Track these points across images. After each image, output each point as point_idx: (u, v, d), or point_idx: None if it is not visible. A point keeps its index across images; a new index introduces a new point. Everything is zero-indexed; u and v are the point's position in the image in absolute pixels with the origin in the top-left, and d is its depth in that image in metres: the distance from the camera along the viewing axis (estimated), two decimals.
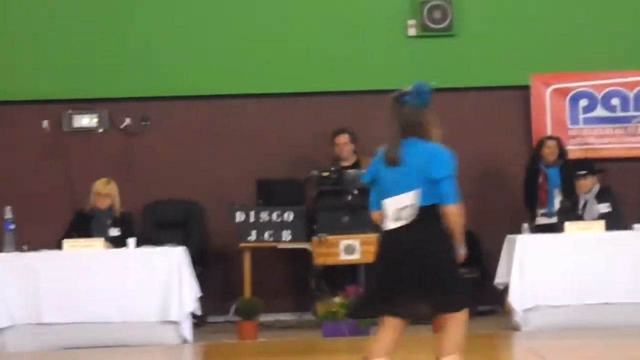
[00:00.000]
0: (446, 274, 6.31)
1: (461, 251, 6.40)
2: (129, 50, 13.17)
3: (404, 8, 13.12)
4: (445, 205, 6.16)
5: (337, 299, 10.86)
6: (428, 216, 6.19)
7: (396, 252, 6.24)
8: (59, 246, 10.72)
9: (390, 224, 6.19)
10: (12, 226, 10.80)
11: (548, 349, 9.72)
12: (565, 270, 10.80)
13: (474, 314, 11.60)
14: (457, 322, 6.29)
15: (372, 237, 9.73)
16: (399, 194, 6.19)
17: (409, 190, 6.14)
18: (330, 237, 11.15)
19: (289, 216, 11.87)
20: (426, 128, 6.28)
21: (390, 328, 6.23)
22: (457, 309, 6.32)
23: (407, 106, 6.24)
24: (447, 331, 6.35)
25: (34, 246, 10.79)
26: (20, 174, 12.56)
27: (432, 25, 12.94)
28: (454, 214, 6.23)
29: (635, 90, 13.07)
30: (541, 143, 12.18)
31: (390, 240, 6.27)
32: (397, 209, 6.25)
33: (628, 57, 13.22)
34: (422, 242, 6.24)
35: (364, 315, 6.91)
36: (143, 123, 12.77)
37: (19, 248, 10.73)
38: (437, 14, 12.93)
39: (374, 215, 6.49)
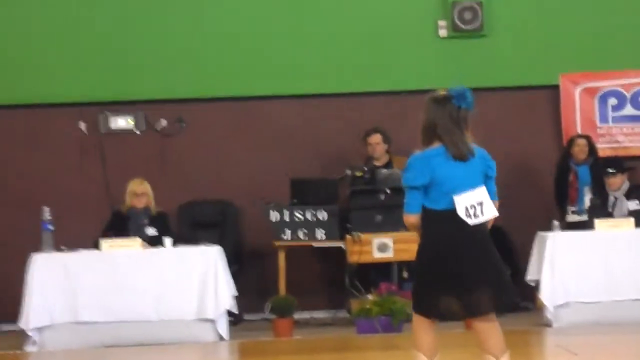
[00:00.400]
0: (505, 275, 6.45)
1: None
2: (165, 53, 13.23)
3: (435, 9, 13.18)
4: (495, 201, 6.26)
5: (370, 297, 10.90)
6: (490, 213, 6.37)
7: (475, 246, 6.28)
8: (96, 246, 10.78)
9: (469, 220, 6.22)
10: (51, 227, 10.83)
11: (579, 345, 9.75)
12: (596, 267, 10.90)
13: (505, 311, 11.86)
14: (496, 320, 6.34)
15: (405, 235, 10.02)
16: (468, 189, 6.25)
17: (477, 186, 6.22)
18: (364, 236, 11.21)
19: (322, 215, 11.95)
20: (468, 129, 6.41)
21: (432, 326, 6.27)
22: (508, 309, 6.54)
23: (456, 107, 6.34)
24: (496, 329, 6.31)
25: (72, 246, 10.86)
26: (58, 175, 12.63)
27: (463, 26, 12.97)
28: (496, 209, 6.36)
29: None
30: (571, 141, 12.24)
31: (469, 236, 6.29)
32: (473, 204, 6.27)
33: None
34: (488, 240, 6.37)
35: (431, 313, 6.49)
36: (179, 124, 12.83)
37: (57, 248, 10.79)
38: (467, 15, 12.97)
39: (414, 218, 6.36)
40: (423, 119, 6.35)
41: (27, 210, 11.94)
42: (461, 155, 6.19)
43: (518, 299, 11.04)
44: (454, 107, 6.22)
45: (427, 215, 6.23)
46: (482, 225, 6.23)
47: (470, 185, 6.19)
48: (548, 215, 11.97)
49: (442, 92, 6.36)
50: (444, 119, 6.24)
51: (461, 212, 6.15)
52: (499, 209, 10.30)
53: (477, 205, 6.26)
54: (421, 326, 6.31)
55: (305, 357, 10.00)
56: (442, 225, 6.24)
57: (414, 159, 6.33)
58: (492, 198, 6.27)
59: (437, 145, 6.20)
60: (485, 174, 6.23)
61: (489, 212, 6.26)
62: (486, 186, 6.23)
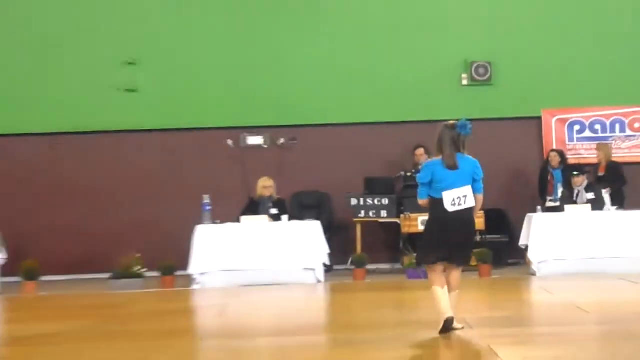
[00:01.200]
0: (473, 243, 6.94)
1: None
2: (282, 93, 13.17)
3: (460, 67, 13.33)
4: (479, 194, 6.46)
5: (415, 255, 11.04)
6: (471, 203, 6.59)
7: (457, 224, 6.48)
8: (238, 220, 11.04)
9: (450, 207, 6.44)
10: (209, 207, 11.11)
11: (554, 287, 9.77)
12: (565, 237, 11.10)
13: (505, 265, 12.23)
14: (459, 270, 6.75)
15: None
16: (457, 188, 6.46)
17: (465, 186, 6.44)
18: (412, 215, 11.33)
19: (385, 201, 12.13)
20: (466, 148, 6.56)
21: (440, 271, 6.56)
22: (467, 264, 6.98)
23: (457, 133, 6.51)
24: (458, 274, 6.71)
25: (223, 220, 11.06)
26: (213, 175, 12.72)
27: (478, 78, 13.27)
28: (481, 199, 6.53)
29: (610, 120, 13.25)
30: (549, 154, 12.41)
31: (452, 217, 6.45)
32: (457, 197, 6.49)
33: (607, 96, 13.14)
34: (471, 220, 6.56)
35: (427, 262, 6.90)
36: (292, 142, 12.94)
37: (213, 222, 11.02)
38: (481, 71, 13.25)
39: (422, 201, 6.65)
40: (436, 137, 6.58)
41: (196, 198, 11.77)
42: (449, 166, 6.41)
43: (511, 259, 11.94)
44: (456, 133, 6.41)
45: (431, 201, 6.47)
46: (466, 210, 6.49)
47: (459, 184, 6.43)
48: (534, 202, 12.11)
49: (452, 122, 6.56)
50: (447, 140, 6.43)
51: (447, 203, 6.43)
52: (500, 199, 11.51)
53: (462, 197, 6.49)
54: (432, 271, 6.56)
55: (374, 294, 10.13)
56: (438, 208, 6.48)
57: (424, 165, 6.71)
58: (478, 192, 6.51)
59: (439, 157, 6.44)
60: (473, 177, 6.45)
61: (470, 202, 6.48)
62: (473, 185, 6.47)
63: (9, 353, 7.02)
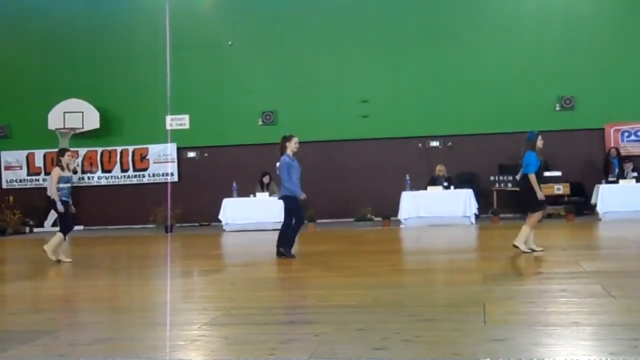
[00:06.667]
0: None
1: (539, 193, 8.11)
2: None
3: (555, 99, 15.39)
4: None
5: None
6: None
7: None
8: (425, 188, 13.27)
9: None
10: (409, 181, 13.23)
11: (613, 227, 11.56)
12: (619, 198, 13.16)
13: (582, 215, 13.48)
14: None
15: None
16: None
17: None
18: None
19: (510, 177, 13.47)
20: (532, 147, 8.02)
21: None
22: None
23: (527, 139, 8.14)
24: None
25: (418, 188, 13.16)
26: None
27: (565, 106, 15.39)
28: (531, 177, 7.93)
29: None
30: (610, 149, 14.48)
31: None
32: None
33: None
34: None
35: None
36: (450, 145, 15.16)
37: (415, 189, 13.17)
38: (567, 102, 15.38)
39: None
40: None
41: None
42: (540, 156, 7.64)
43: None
44: (536, 138, 8.10)
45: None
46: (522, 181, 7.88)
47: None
48: (599, 178, 14.01)
49: (536, 133, 8.24)
50: (532, 145, 8.09)
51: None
52: (580, 175, 12.93)
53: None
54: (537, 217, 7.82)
55: (507, 230, 10.96)
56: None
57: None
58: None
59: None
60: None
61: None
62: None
63: (309, 259, 8.79)
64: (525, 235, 8.05)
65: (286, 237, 8.84)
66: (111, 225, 15.86)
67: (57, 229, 9.51)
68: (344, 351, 3.85)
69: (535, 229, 8.24)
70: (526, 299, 5.35)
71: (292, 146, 8.85)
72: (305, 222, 10.77)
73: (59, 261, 9.27)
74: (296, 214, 8.81)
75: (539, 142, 8.06)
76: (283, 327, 4.69)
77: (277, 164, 9.00)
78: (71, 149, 11.51)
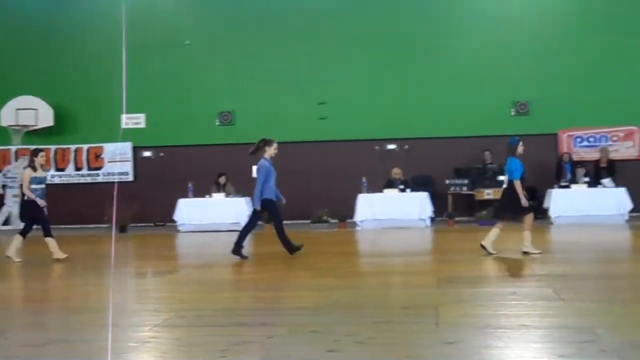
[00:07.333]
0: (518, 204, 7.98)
1: (523, 200, 8.26)
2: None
3: (509, 105, 15.53)
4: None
5: (484, 212, 13.54)
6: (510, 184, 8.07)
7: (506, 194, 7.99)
8: (381, 191, 13.21)
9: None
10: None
11: (565, 231, 11.77)
12: (570, 202, 13.26)
13: (535, 219, 10.36)
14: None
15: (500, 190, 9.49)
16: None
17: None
18: (480, 190, 13.65)
19: (466, 181, 14.32)
20: (513, 152, 8.18)
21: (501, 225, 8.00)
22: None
23: (508, 145, 8.27)
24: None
25: (374, 191, 13.19)
26: (366, 168, 14.83)
27: (520, 111, 15.58)
28: (516, 184, 8.06)
29: (598, 136, 15.30)
30: (562, 155, 14.61)
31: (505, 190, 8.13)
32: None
33: (595, 119, 15.06)
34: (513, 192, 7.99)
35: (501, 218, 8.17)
36: (407, 148, 15.31)
37: (371, 192, 13.20)
38: (522, 107, 15.58)
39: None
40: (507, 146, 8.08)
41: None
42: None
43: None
44: (517, 144, 8.25)
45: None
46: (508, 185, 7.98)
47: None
48: (552, 183, 14.10)
49: (517, 138, 8.43)
50: (513, 150, 8.27)
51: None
52: (533, 181, 11.80)
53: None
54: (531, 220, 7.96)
55: (462, 233, 11.79)
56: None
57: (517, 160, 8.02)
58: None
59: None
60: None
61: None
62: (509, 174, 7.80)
63: (264, 260, 8.88)
64: (529, 239, 8.23)
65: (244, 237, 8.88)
66: (64, 225, 15.26)
67: (8, 227, 9.26)
68: (297, 353, 3.88)
69: (488, 232, 8.52)
70: (478, 301, 5.46)
71: (271, 151, 8.85)
72: (261, 223, 10.89)
73: (8, 257, 9.19)
74: (277, 216, 8.92)
75: (520, 148, 8.21)
76: (236, 329, 4.70)
77: (254, 166, 8.96)
78: (35, 146, 11.33)
